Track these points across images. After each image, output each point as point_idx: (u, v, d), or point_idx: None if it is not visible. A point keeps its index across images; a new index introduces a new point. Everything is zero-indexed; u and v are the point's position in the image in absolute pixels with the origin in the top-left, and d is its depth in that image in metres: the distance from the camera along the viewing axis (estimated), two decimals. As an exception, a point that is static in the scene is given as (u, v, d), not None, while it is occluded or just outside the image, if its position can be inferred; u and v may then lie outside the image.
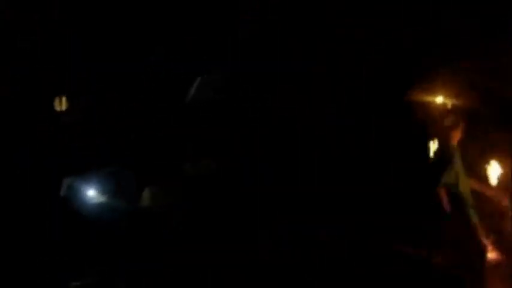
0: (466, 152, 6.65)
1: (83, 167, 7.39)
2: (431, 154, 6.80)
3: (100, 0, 7.73)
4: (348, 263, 6.87)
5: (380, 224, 7.00)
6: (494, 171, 6.56)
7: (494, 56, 6.73)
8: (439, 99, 6.98)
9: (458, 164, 6.61)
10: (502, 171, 6.54)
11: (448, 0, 7.10)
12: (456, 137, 6.67)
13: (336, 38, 7.45)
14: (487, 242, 6.57)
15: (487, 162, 6.58)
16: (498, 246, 6.54)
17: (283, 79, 7.50)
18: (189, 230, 7.12)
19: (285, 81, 7.50)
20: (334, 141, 7.42)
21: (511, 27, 6.77)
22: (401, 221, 6.89)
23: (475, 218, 6.55)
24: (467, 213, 6.57)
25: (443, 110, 6.87)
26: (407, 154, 7.08)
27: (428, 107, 6.97)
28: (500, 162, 6.56)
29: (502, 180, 6.54)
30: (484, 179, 6.60)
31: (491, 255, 6.56)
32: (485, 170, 6.58)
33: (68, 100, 7.76)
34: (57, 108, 7.76)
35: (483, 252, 6.53)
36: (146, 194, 7.33)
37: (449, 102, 6.89)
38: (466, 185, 6.60)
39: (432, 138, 6.82)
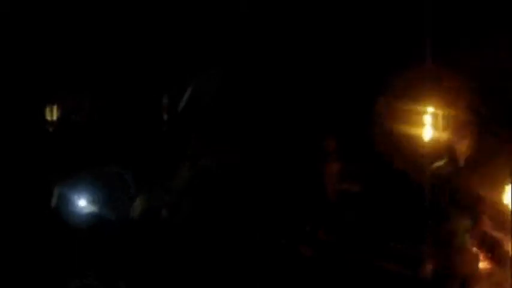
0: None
1: (74, 174, 7.28)
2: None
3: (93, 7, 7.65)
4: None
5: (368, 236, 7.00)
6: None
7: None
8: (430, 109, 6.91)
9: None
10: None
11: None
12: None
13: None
14: (478, 251, 6.57)
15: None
16: (490, 255, 6.54)
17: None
18: (186, 232, 7.06)
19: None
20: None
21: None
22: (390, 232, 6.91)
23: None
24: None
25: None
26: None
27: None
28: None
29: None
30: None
31: (483, 265, 6.56)
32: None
33: (58, 108, 7.64)
34: (48, 117, 7.64)
35: (475, 261, 6.54)
36: (138, 202, 7.22)
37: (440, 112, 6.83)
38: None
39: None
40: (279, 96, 7.44)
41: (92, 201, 7.29)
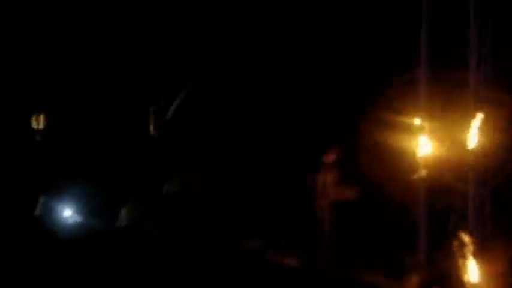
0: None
1: (60, 185, 7.29)
2: None
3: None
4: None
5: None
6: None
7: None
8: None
9: None
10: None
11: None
12: None
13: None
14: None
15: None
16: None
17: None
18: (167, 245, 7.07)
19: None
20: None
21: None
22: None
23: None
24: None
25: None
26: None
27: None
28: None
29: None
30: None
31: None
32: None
33: (45, 118, 7.67)
34: (34, 126, 7.66)
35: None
36: (123, 213, 7.21)
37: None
38: None
39: None
40: (274, 101, 7.45)
41: (77, 211, 7.27)
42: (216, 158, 7.42)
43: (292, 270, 6.94)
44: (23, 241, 7.01)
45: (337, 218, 7.03)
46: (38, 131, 7.71)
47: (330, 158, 7.15)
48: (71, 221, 7.26)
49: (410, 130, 6.64)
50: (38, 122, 7.70)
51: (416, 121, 6.67)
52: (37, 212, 7.25)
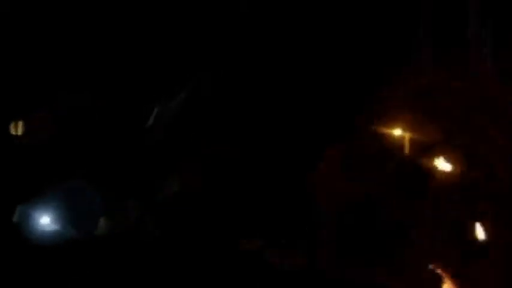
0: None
1: (38, 189, 7.22)
2: None
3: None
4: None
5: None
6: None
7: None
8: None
9: None
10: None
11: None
12: None
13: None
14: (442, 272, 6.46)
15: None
16: (455, 276, 6.41)
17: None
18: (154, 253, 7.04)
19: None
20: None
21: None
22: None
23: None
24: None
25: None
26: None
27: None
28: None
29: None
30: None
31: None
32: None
33: (24, 124, 7.62)
34: (13, 132, 7.60)
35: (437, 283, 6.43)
36: (103, 222, 7.17)
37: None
38: None
39: None
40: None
41: (56, 219, 7.16)
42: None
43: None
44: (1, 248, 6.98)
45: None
46: (16, 137, 7.62)
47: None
48: (49, 229, 7.12)
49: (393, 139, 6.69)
50: (17, 129, 7.60)
51: (397, 131, 6.70)
52: (15, 219, 7.11)
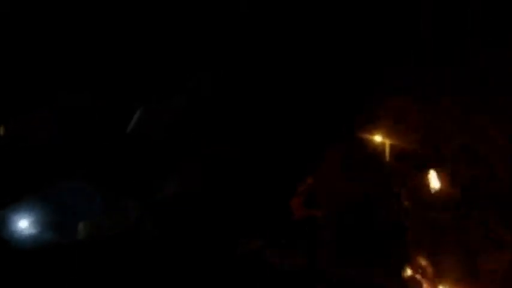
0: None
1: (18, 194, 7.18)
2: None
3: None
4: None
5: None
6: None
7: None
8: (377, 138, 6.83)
9: None
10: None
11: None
12: None
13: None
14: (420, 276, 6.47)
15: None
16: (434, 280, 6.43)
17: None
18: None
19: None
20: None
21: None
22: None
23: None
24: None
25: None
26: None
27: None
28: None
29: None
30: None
31: None
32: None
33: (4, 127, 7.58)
34: None
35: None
36: (82, 226, 7.14)
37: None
38: None
39: None
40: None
41: (36, 223, 7.11)
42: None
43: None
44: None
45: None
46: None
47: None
48: (28, 233, 7.07)
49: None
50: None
51: (378, 138, 6.75)
52: None
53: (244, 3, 7.70)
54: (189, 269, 6.98)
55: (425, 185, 6.42)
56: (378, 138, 6.68)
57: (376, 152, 6.69)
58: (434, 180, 6.40)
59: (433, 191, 6.40)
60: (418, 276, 6.34)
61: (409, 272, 6.35)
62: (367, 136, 6.68)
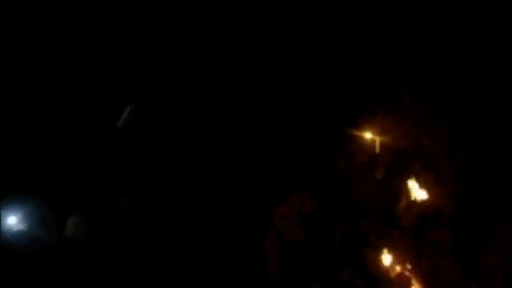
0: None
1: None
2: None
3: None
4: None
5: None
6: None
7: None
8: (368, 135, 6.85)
9: None
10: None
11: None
12: None
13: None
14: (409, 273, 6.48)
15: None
16: (423, 277, 6.43)
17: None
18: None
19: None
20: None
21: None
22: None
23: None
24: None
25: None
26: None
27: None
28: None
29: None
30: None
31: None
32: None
33: None
34: None
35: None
36: (70, 223, 7.12)
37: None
38: None
39: None
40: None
41: (22, 220, 7.09)
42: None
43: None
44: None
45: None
46: None
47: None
48: (15, 229, 7.05)
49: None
50: None
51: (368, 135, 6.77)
52: None
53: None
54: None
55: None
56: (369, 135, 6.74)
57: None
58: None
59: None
60: (407, 273, 6.36)
61: (398, 269, 6.38)
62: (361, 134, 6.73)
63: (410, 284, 6.37)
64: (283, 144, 7.43)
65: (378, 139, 6.63)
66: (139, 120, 7.49)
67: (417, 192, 6.50)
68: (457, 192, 6.46)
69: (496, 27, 7.04)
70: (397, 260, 6.40)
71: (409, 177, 6.54)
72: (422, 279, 6.28)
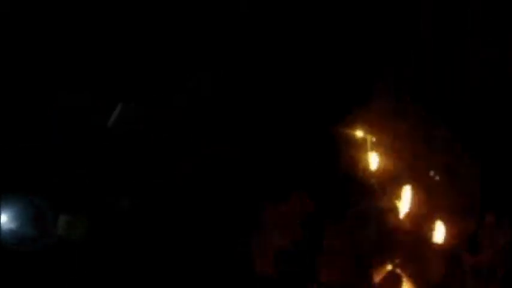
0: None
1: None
2: None
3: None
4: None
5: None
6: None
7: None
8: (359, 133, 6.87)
9: None
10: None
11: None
12: None
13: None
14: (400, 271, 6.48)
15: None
16: (415, 277, 6.43)
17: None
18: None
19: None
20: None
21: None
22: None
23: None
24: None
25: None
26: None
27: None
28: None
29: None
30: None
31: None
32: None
33: None
34: None
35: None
36: (62, 222, 7.10)
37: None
38: None
39: None
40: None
41: (13, 217, 7.05)
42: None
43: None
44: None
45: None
46: None
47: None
48: (6, 227, 6.99)
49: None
50: None
51: (359, 133, 6.78)
52: None
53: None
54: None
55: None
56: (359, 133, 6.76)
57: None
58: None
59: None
60: (398, 271, 6.37)
61: (389, 266, 6.39)
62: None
63: (401, 282, 6.38)
64: (283, 144, 7.43)
65: (374, 139, 6.64)
66: (131, 120, 7.49)
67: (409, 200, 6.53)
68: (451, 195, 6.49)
69: (496, 27, 7.05)
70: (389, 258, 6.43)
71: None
72: (414, 278, 6.30)
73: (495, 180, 6.74)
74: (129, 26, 7.72)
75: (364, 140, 6.72)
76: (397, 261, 6.41)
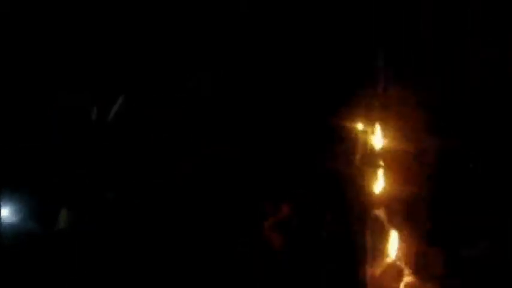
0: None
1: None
2: None
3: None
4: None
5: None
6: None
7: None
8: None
9: None
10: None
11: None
12: None
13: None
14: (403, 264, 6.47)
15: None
16: (418, 269, 6.42)
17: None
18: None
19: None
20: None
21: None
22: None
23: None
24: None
25: None
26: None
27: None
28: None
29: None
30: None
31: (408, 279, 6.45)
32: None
33: None
34: None
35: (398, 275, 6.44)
36: (62, 216, 7.09)
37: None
38: None
39: None
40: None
41: (15, 211, 7.06)
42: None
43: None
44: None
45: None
46: None
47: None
48: (7, 221, 6.99)
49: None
50: None
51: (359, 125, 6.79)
52: None
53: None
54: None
55: None
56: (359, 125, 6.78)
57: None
58: None
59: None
60: (399, 263, 6.37)
61: (390, 258, 6.39)
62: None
63: (402, 275, 6.38)
64: (283, 144, 7.43)
65: (373, 138, 6.66)
66: (131, 115, 7.49)
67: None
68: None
69: (496, 27, 7.05)
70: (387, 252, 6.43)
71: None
72: (415, 271, 6.29)
73: (495, 180, 6.75)
74: (129, 25, 7.72)
75: (364, 136, 6.74)
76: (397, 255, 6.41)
